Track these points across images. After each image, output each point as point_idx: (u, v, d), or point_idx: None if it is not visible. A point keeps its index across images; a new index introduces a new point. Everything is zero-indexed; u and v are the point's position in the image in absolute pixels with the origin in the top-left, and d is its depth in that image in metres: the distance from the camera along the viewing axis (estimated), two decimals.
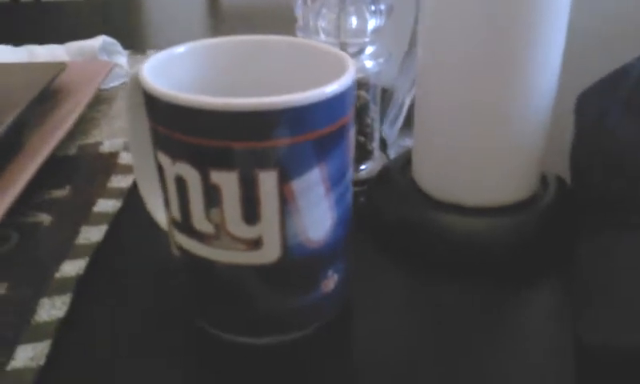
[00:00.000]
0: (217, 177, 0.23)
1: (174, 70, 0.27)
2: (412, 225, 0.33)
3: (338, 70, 0.25)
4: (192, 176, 0.24)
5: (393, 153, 0.42)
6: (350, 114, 0.25)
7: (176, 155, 0.24)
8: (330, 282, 0.27)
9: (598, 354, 0.25)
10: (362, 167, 0.40)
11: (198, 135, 0.23)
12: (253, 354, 0.27)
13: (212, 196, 0.24)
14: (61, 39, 0.59)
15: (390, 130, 0.43)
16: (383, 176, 0.37)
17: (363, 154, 0.39)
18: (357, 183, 0.38)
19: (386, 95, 0.43)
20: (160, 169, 0.25)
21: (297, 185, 0.24)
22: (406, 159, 0.37)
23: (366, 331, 0.29)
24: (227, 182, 0.23)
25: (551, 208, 0.33)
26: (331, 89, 0.23)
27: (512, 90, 0.30)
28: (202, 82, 0.28)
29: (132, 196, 0.39)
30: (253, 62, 0.29)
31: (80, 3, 0.93)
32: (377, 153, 0.41)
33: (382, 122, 0.42)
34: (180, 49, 0.28)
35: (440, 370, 0.26)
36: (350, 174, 0.27)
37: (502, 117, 0.31)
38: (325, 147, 0.24)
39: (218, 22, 0.84)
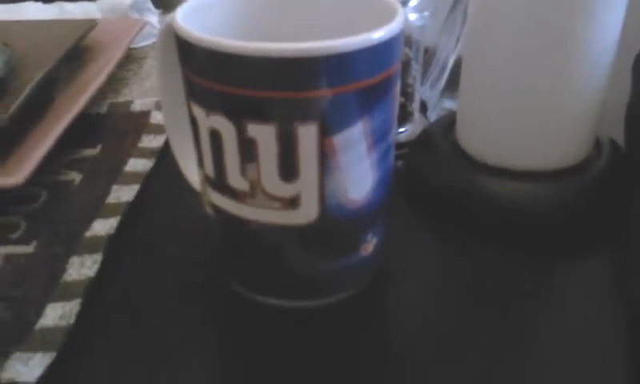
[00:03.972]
0: (253, 130, 0.22)
1: (209, 16, 0.25)
2: (455, 190, 0.31)
3: (386, 17, 0.23)
4: (227, 129, 0.22)
5: (433, 115, 0.40)
6: (397, 65, 0.23)
7: (210, 107, 0.22)
8: (369, 245, 0.26)
9: None
10: (401, 130, 0.38)
11: (233, 84, 0.21)
12: (287, 318, 0.26)
13: (248, 151, 0.22)
14: None
15: (431, 92, 0.41)
16: (424, 139, 0.35)
17: (403, 116, 0.37)
18: (395, 146, 0.36)
19: (428, 54, 0.41)
20: (193, 122, 0.24)
21: (338, 140, 0.22)
22: (448, 122, 0.35)
23: (402, 298, 0.27)
24: (264, 135, 0.22)
25: (604, 173, 0.31)
26: (378, 35, 0.21)
27: (567, 53, 0.28)
28: (238, 29, 0.27)
29: (164, 156, 0.38)
30: (294, 7, 0.27)
31: None
32: (417, 115, 0.39)
33: (422, 82, 0.40)
34: None
35: (477, 336, 0.25)
36: (394, 132, 0.25)
37: (555, 80, 0.29)
38: (369, 100, 0.22)
39: None
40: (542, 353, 0.24)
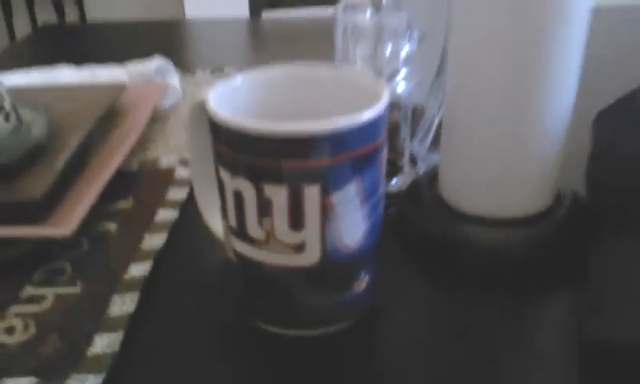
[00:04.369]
0: (269, 190, 0.27)
1: (233, 98, 0.31)
2: (437, 235, 0.37)
3: (373, 97, 0.29)
4: (248, 189, 0.28)
5: (422, 167, 0.46)
6: (383, 137, 0.29)
7: (235, 172, 0.28)
8: (362, 282, 0.31)
9: (599, 348, 0.28)
10: (393, 181, 0.44)
11: (254, 155, 0.27)
12: (293, 346, 0.31)
13: (264, 207, 0.28)
14: (110, 59, 0.65)
15: (419, 147, 0.46)
16: (412, 190, 0.41)
17: (394, 170, 0.43)
18: (388, 196, 0.42)
19: (417, 114, 0.47)
20: (220, 183, 0.30)
21: (336, 197, 0.28)
22: (433, 175, 0.41)
23: (393, 329, 0.32)
24: (277, 194, 0.27)
25: (566, 220, 0.36)
26: (367, 115, 0.27)
27: (530, 115, 0.34)
28: (255, 107, 0.33)
29: (187, 207, 0.43)
30: (299, 88, 0.33)
31: (126, 25, 0.99)
32: (407, 168, 0.44)
33: (412, 139, 0.46)
34: (237, 80, 0.32)
35: (458, 367, 0.30)
36: (382, 189, 0.31)
37: (520, 138, 0.34)
38: (360, 165, 0.28)
39: (260, 42, 0.89)
40: (512, 373, 0.29)
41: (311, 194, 0.27)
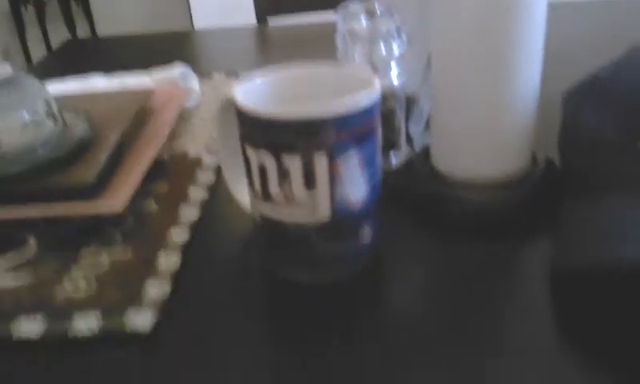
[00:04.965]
0: (287, 160, 0.34)
1: (254, 93, 0.39)
2: (430, 199, 0.44)
3: (368, 86, 0.36)
4: (269, 161, 0.35)
5: (418, 146, 0.53)
6: (377, 117, 0.36)
7: (259, 148, 0.35)
8: (367, 234, 0.38)
9: (563, 274, 0.35)
10: (393, 158, 0.50)
11: (274, 135, 0.34)
12: (310, 292, 0.38)
13: (283, 173, 0.35)
14: (131, 69, 0.72)
15: (414, 129, 0.53)
16: (408, 164, 0.48)
17: (392, 147, 0.50)
18: (388, 172, 0.49)
19: (411, 102, 0.53)
20: (246, 159, 0.37)
21: (341, 163, 0.35)
22: (426, 150, 0.48)
23: (394, 277, 0.39)
24: (293, 162, 0.34)
25: (540, 182, 0.43)
26: (363, 101, 0.34)
27: (503, 90, 0.40)
28: (272, 99, 0.40)
29: (215, 188, 0.50)
30: (307, 83, 0.40)
31: (141, 37, 1.07)
32: (404, 147, 0.51)
33: (407, 122, 0.53)
34: (257, 79, 0.39)
35: (451, 305, 0.37)
36: (379, 158, 0.38)
37: (497, 110, 0.41)
38: (360, 140, 0.35)
39: (268, 47, 0.97)
40: (500, 303, 0.36)
41: (321, 161, 0.34)
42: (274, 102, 0.40)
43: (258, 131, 0.35)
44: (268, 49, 0.96)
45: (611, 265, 0.33)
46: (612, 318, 0.34)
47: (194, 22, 2.10)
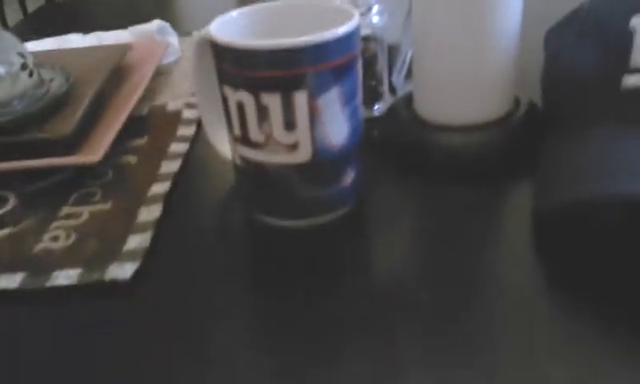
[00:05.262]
0: (265, 98, 0.34)
1: (231, 27, 0.37)
2: (413, 143, 0.43)
3: (346, 18, 0.35)
4: (248, 100, 0.34)
5: (401, 95, 0.52)
6: (357, 50, 0.35)
7: (236, 86, 0.34)
8: (349, 177, 0.37)
9: (544, 214, 0.35)
10: (376, 107, 0.50)
11: (252, 69, 0.33)
12: (293, 235, 0.38)
13: (262, 113, 0.34)
14: (113, 28, 0.71)
15: (397, 78, 0.52)
16: (391, 111, 0.47)
17: (375, 96, 0.49)
18: (372, 120, 0.48)
19: (393, 51, 0.52)
20: (224, 99, 0.36)
21: (321, 101, 0.34)
22: (409, 97, 0.47)
23: (378, 221, 0.39)
24: (273, 101, 0.34)
25: (522, 123, 0.42)
26: (342, 30, 0.33)
27: (483, 29, 0.40)
28: (250, 33, 0.39)
29: (196, 141, 0.50)
30: (286, 17, 0.39)
31: None
32: (387, 96, 0.51)
33: (391, 71, 0.52)
34: (233, 14, 0.38)
35: (431, 250, 0.36)
36: (360, 96, 0.37)
37: (477, 51, 0.40)
38: (339, 73, 0.34)
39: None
40: (483, 247, 0.36)
41: (300, 99, 0.34)
42: (252, 36, 0.39)
43: (235, 66, 0.34)
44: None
45: (590, 202, 0.32)
46: (594, 259, 0.33)
47: None
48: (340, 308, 0.32)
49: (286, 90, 0.33)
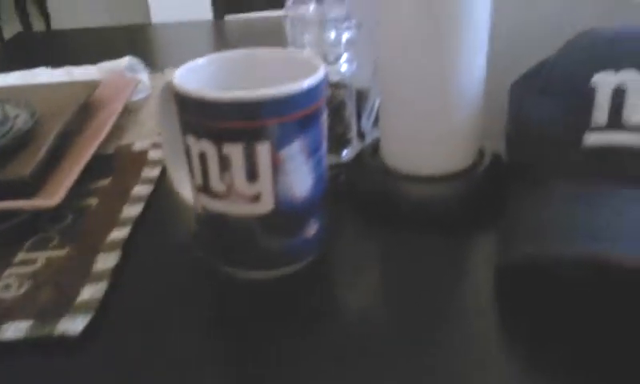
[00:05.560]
0: (228, 148, 0.33)
1: (196, 76, 0.37)
2: (378, 194, 0.43)
3: (312, 70, 0.35)
4: (210, 150, 0.33)
5: (369, 141, 0.52)
6: (321, 102, 0.35)
7: (199, 136, 0.34)
8: (312, 228, 0.37)
9: (506, 269, 0.34)
10: (344, 153, 0.50)
11: (215, 120, 0.33)
12: (255, 286, 0.37)
13: (224, 163, 0.33)
14: (87, 62, 0.70)
15: (366, 123, 0.52)
16: (358, 158, 0.47)
17: (343, 142, 0.49)
18: (339, 166, 0.48)
19: (362, 96, 0.53)
20: (187, 148, 0.35)
21: (284, 153, 0.34)
22: (376, 144, 0.47)
23: (345, 266, 0.38)
24: (235, 151, 0.33)
25: (485, 175, 0.43)
26: (306, 83, 0.33)
27: (448, 84, 0.40)
28: (216, 83, 0.38)
29: (160, 183, 0.49)
30: (252, 67, 0.39)
31: (96, 31, 1.04)
32: (355, 141, 0.50)
33: (360, 117, 0.52)
34: (200, 62, 0.38)
35: (395, 301, 0.36)
36: (324, 147, 0.37)
37: (442, 104, 0.41)
38: (303, 125, 0.34)
39: (223, 42, 0.95)
40: (446, 300, 0.35)
41: (263, 150, 0.33)
42: (216, 86, 0.38)
43: (198, 116, 0.33)
44: (224, 43, 0.94)
45: (547, 261, 0.32)
46: (555, 315, 0.33)
47: (152, 17, 2.06)
48: (306, 359, 0.31)
49: (249, 141, 0.33)
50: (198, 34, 0.99)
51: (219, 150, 0.33)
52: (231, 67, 0.39)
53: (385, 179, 0.43)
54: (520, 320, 0.33)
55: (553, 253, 0.31)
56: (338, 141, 0.49)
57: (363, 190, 0.44)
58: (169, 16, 1.94)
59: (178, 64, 0.37)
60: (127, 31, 1.04)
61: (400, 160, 0.43)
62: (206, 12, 1.22)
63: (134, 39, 0.98)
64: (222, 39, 0.97)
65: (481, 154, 0.45)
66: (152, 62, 0.80)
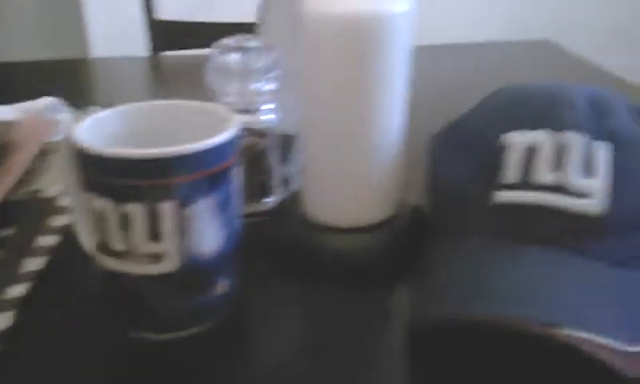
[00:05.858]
0: (128, 208, 0.31)
1: (100, 130, 0.35)
2: (296, 246, 0.42)
3: (225, 126, 0.33)
4: (110, 208, 0.32)
5: (295, 188, 0.51)
6: (233, 159, 0.34)
7: (98, 193, 0.32)
8: (221, 287, 0.35)
9: (417, 330, 0.34)
10: (265, 201, 0.48)
11: (114, 177, 0.31)
12: (164, 347, 0.35)
13: (124, 222, 0.32)
14: (14, 99, 0.66)
15: (292, 170, 0.51)
16: (278, 208, 0.46)
17: (264, 190, 0.48)
18: (260, 214, 0.47)
19: (288, 141, 0.52)
20: (86, 205, 0.33)
21: (191, 211, 0.32)
22: (296, 195, 0.46)
23: (262, 321, 0.37)
24: (135, 210, 0.31)
25: (403, 227, 0.42)
26: (217, 140, 0.32)
27: (367, 134, 0.40)
28: (121, 138, 0.36)
29: (69, 233, 0.46)
30: (162, 120, 0.38)
31: (28, 64, 1.00)
32: (279, 189, 0.49)
33: (286, 163, 0.51)
34: (105, 113, 0.36)
35: (314, 356, 0.34)
36: (236, 203, 0.35)
37: (361, 156, 0.40)
38: (213, 182, 0.32)
39: (158, 78, 0.93)
40: (360, 357, 0.34)
41: (167, 209, 0.31)
42: (122, 140, 0.37)
43: (96, 174, 0.31)
44: (158, 80, 0.92)
45: (459, 323, 0.32)
46: (468, 370, 0.33)
47: (92, 51, 2.01)
48: None
49: (151, 200, 0.31)
50: (134, 69, 0.97)
51: (119, 209, 0.31)
52: (139, 120, 0.37)
53: (304, 230, 0.42)
54: (434, 376, 0.32)
55: (450, 315, 0.31)
56: (260, 188, 0.48)
57: (282, 241, 0.43)
58: (110, 51, 1.90)
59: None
60: (61, 65, 1.00)
61: (320, 211, 0.43)
62: (146, 47, 1.20)
63: (67, 74, 0.94)
64: (157, 76, 0.95)
65: (403, 205, 0.44)
66: (83, 98, 0.77)
